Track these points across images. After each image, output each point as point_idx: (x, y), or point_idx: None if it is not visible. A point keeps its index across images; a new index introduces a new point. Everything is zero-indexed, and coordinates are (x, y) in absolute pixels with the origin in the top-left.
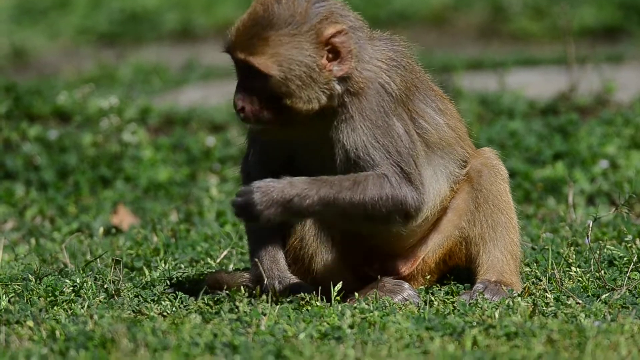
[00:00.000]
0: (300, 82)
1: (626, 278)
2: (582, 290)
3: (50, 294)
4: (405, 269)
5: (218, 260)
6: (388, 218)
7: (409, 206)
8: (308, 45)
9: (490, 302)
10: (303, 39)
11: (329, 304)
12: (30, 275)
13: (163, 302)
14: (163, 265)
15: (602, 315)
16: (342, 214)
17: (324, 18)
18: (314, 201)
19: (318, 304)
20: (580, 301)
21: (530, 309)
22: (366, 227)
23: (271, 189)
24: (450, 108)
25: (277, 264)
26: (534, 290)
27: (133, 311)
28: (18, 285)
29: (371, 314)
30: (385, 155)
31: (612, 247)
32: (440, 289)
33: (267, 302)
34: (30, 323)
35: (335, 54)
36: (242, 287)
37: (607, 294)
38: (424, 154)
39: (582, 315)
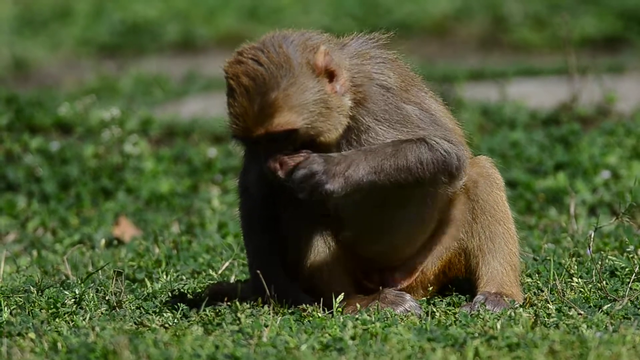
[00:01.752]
0: (323, 118)
1: (628, 289)
2: (583, 301)
3: (51, 306)
4: (404, 281)
5: (220, 272)
6: (434, 179)
7: (451, 165)
8: (310, 82)
9: (491, 313)
10: (303, 80)
11: (330, 315)
12: (31, 287)
13: (165, 314)
14: (165, 276)
15: (604, 326)
16: (391, 180)
17: (304, 51)
18: (366, 172)
19: (320, 315)
20: (582, 312)
21: (532, 319)
22: (418, 190)
23: (332, 161)
24: (445, 110)
25: (275, 276)
26: (535, 301)
27: (135, 323)
28: (20, 297)
29: (373, 325)
30: (415, 133)
31: (613, 258)
32: (441, 300)
33: (269, 313)
34: (32, 335)
35: (330, 75)
36: (243, 299)
37: (609, 305)
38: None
39: (584, 326)
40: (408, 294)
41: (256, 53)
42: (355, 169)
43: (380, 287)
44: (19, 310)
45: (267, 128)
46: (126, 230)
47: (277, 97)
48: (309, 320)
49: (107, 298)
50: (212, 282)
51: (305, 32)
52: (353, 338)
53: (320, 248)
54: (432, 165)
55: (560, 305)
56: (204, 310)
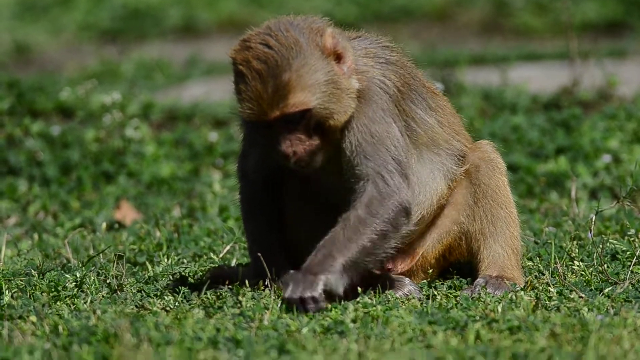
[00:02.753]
0: (334, 99)
1: (629, 272)
2: (585, 284)
3: (53, 289)
4: (404, 265)
5: (221, 255)
6: (397, 226)
7: (406, 203)
8: (321, 63)
9: (493, 297)
10: (314, 61)
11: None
12: (33, 271)
13: (166, 297)
14: (166, 260)
15: (605, 309)
16: (367, 253)
17: (311, 34)
18: (341, 270)
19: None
20: (583, 295)
21: (533, 303)
22: (390, 247)
23: (308, 291)
24: (443, 104)
25: (275, 260)
26: (536, 285)
27: (136, 306)
28: (21, 280)
29: (374, 308)
30: (381, 149)
31: (614, 241)
32: (442, 284)
33: (270, 296)
34: (33, 318)
35: (337, 57)
36: (244, 282)
37: (610, 288)
38: (416, 156)
39: (585, 309)
40: (407, 278)
41: (264, 37)
42: (334, 280)
43: (379, 272)
44: (20, 294)
45: (282, 109)
46: (127, 213)
47: (290, 78)
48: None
49: (108, 281)
50: (213, 265)
51: (307, 17)
52: (354, 321)
53: (321, 232)
54: (392, 214)
55: (561, 288)
56: (205, 294)
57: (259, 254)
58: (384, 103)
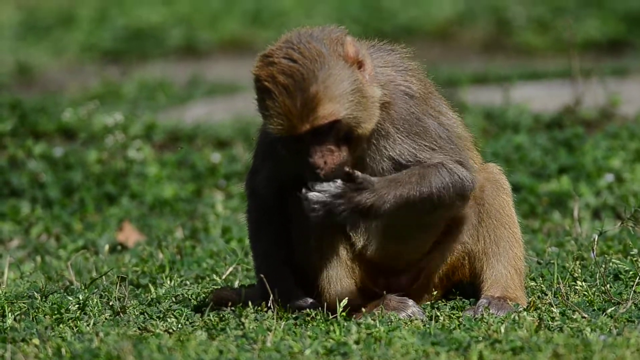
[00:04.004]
0: (361, 107)
1: (632, 292)
2: (587, 304)
3: (55, 312)
4: (409, 285)
5: (224, 277)
6: (451, 204)
7: (467, 188)
8: (345, 73)
9: (495, 317)
10: (338, 71)
11: (334, 319)
12: (35, 293)
13: (169, 319)
14: (169, 282)
15: (608, 329)
16: (413, 208)
17: (331, 44)
18: (391, 205)
19: (324, 319)
20: (586, 315)
21: (536, 323)
22: (432, 216)
23: (352, 198)
24: (456, 116)
25: (283, 280)
26: (539, 305)
27: (139, 328)
28: (24, 303)
29: (377, 329)
30: (432, 153)
31: (617, 261)
32: (445, 304)
33: (273, 318)
34: (36, 341)
35: (359, 65)
36: (248, 304)
37: (612, 308)
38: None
39: (588, 329)
40: (411, 300)
41: (287, 51)
42: (378, 206)
43: (384, 293)
44: (23, 316)
45: (312, 122)
46: (130, 235)
47: (317, 90)
48: (313, 325)
49: (111, 303)
50: (216, 287)
51: (324, 27)
52: (357, 342)
53: (328, 252)
54: (452, 191)
55: (564, 308)
56: (208, 316)
57: (262, 275)
58: (414, 108)
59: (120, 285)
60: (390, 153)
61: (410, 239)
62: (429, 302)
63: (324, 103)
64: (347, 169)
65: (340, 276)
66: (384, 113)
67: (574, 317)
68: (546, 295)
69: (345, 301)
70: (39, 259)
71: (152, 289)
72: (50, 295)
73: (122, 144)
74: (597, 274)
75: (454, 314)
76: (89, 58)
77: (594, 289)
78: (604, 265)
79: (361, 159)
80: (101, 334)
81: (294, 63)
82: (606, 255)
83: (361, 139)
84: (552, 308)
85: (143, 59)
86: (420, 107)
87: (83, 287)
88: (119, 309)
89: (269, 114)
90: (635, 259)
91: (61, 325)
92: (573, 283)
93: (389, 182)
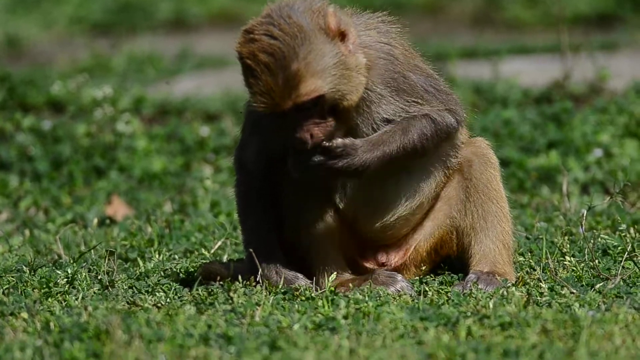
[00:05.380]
0: (345, 80)
1: (620, 267)
2: (576, 279)
3: (44, 286)
4: (397, 258)
5: (212, 251)
6: (437, 149)
7: (452, 131)
8: (327, 46)
9: (484, 292)
10: (320, 45)
11: (323, 294)
12: (24, 267)
13: (157, 294)
14: (157, 256)
15: (597, 305)
16: (398, 161)
17: (313, 16)
18: (375, 164)
19: (312, 294)
20: (574, 291)
21: (525, 298)
22: (420, 161)
23: (333, 165)
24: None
25: (271, 255)
26: (528, 280)
27: (127, 302)
28: (12, 276)
29: (365, 304)
30: (421, 107)
31: (606, 236)
32: (434, 280)
33: (262, 292)
34: (24, 315)
35: (342, 35)
36: (236, 278)
37: (601, 284)
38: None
39: (577, 305)
40: (400, 275)
41: (267, 28)
42: (370, 158)
43: (374, 267)
44: (11, 290)
45: (295, 99)
46: (118, 209)
47: (299, 68)
48: (301, 300)
49: (99, 277)
50: (204, 261)
51: None
52: (345, 317)
53: (318, 225)
54: (437, 138)
55: (552, 284)
56: (197, 290)
57: (253, 250)
58: (399, 67)
59: (108, 259)
60: (384, 115)
61: (398, 211)
62: (417, 277)
63: (306, 80)
64: (325, 143)
65: (329, 250)
66: (370, 76)
67: (563, 292)
68: (535, 270)
69: (334, 276)
70: (27, 232)
71: (141, 263)
72: (39, 269)
73: (111, 117)
74: (586, 250)
75: (442, 289)
76: (78, 31)
77: (582, 265)
78: (592, 241)
79: (353, 127)
80: (90, 308)
81: (275, 40)
82: (595, 231)
83: (348, 110)
84: (541, 283)
85: (132, 32)
86: (404, 65)
87: (71, 261)
88: (108, 283)
89: (253, 91)
90: (623, 234)
91: (50, 299)
92: (562, 258)
93: (372, 144)
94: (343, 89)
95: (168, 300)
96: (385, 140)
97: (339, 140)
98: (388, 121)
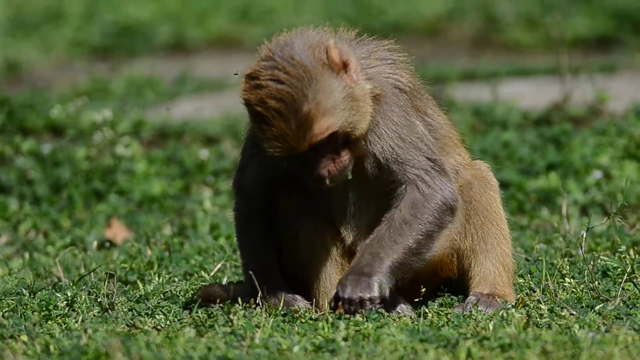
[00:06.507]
0: (354, 111)
1: (620, 289)
2: (576, 301)
3: (44, 308)
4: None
5: (212, 274)
6: (442, 225)
7: (450, 201)
8: (333, 82)
9: (484, 314)
10: (326, 82)
11: (323, 316)
12: (24, 290)
13: (157, 316)
14: (157, 278)
15: (597, 326)
16: (414, 254)
17: (315, 53)
18: (389, 272)
19: (312, 316)
20: (574, 312)
21: (524, 320)
22: (436, 247)
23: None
24: (442, 114)
25: (271, 277)
26: (527, 302)
27: (127, 325)
28: (12, 299)
29: (365, 326)
30: (414, 152)
31: (605, 258)
32: (434, 301)
33: (262, 315)
34: (24, 337)
35: (345, 66)
36: (236, 300)
37: (601, 305)
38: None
39: (576, 326)
40: (400, 296)
41: (273, 72)
42: (382, 282)
43: None
44: (11, 313)
45: (310, 141)
46: (118, 232)
47: (310, 109)
48: (301, 322)
49: (99, 300)
50: (204, 284)
51: (303, 31)
52: (345, 339)
53: (317, 249)
54: (436, 214)
55: (552, 305)
56: (197, 312)
57: (253, 272)
58: (403, 102)
59: (108, 282)
60: (373, 149)
61: None
62: (417, 299)
63: (318, 119)
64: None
65: (329, 273)
66: (376, 106)
67: (563, 314)
68: (534, 292)
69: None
70: (27, 255)
71: (141, 286)
72: (39, 292)
73: (110, 140)
74: (586, 271)
75: (442, 311)
76: (78, 54)
77: (582, 286)
78: (592, 262)
79: (362, 156)
80: (89, 331)
81: (282, 85)
82: (594, 252)
83: (360, 139)
84: (541, 305)
85: (131, 55)
86: (409, 102)
87: (71, 284)
88: (107, 306)
89: (266, 137)
90: (623, 255)
91: (49, 322)
92: (561, 280)
93: (378, 254)
94: (353, 119)
95: (168, 322)
96: (384, 249)
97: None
98: (376, 158)
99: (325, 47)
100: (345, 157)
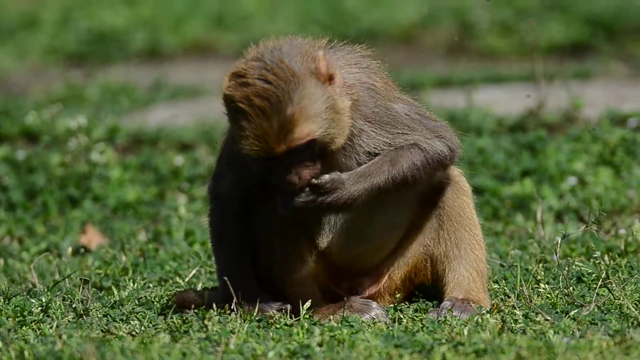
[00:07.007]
0: (334, 123)
1: (595, 294)
2: (550, 306)
3: (18, 314)
4: (372, 286)
5: (187, 279)
6: (430, 178)
7: (446, 159)
8: (318, 91)
9: (459, 320)
10: (312, 90)
11: (297, 322)
12: None
13: (132, 322)
14: (132, 284)
15: (571, 332)
16: (388, 192)
17: (304, 61)
18: (364, 197)
19: (287, 322)
20: (549, 318)
21: (499, 325)
22: (412, 191)
23: (323, 201)
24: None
25: (245, 283)
26: (502, 307)
27: (102, 331)
28: None
29: (340, 332)
30: (406, 137)
31: (580, 264)
32: (408, 307)
33: (236, 320)
34: None
35: (330, 79)
36: (211, 306)
37: (575, 311)
38: None
39: (551, 331)
40: (374, 302)
41: (261, 72)
42: (358, 191)
43: (347, 296)
44: None
45: (289, 144)
46: (93, 238)
47: (293, 112)
48: (276, 328)
49: (74, 306)
50: (179, 289)
51: (292, 40)
52: (320, 345)
53: (292, 255)
54: (429, 167)
55: (527, 311)
56: (171, 318)
57: (225, 278)
58: (380, 101)
59: (83, 288)
60: (366, 148)
61: (373, 240)
62: (392, 305)
63: (301, 124)
64: (313, 181)
65: (304, 279)
66: (354, 112)
67: (537, 319)
68: (509, 297)
69: (308, 303)
70: (1, 261)
71: (115, 292)
72: (13, 298)
73: (85, 147)
74: (560, 277)
75: (417, 317)
76: (53, 61)
77: (557, 292)
78: (567, 268)
79: (339, 164)
80: (64, 337)
81: (269, 84)
82: (569, 258)
83: (335, 152)
84: (515, 310)
85: (106, 62)
86: (385, 97)
87: (46, 290)
88: (82, 312)
89: (245, 135)
90: (598, 261)
91: (24, 328)
92: (536, 285)
93: (359, 176)
94: (333, 132)
95: (142, 328)
96: (372, 172)
97: (326, 176)
98: (372, 154)
99: (314, 56)
100: (317, 166)
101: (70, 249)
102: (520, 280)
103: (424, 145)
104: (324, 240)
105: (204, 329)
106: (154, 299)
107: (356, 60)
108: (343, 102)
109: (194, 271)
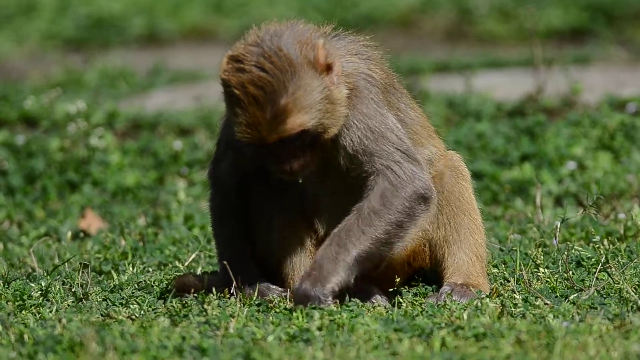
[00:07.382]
0: (328, 114)
1: (594, 279)
2: (550, 291)
3: (18, 298)
4: (371, 272)
5: (186, 264)
6: (413, 214)
7: (421, 190)
8: (314, 82)
9: (458, 304)
10: (308, 80)
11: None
12: None
13: (131, 306)
14: (131, 269)
15: (571, 316)
16: (383, 244)
17: (302, 49)
18: (355, 262)
19: (287, 306)
20: (548, 302)
21: (499, 310)
22: (408, 236)
23: (319, 288)
24: (416, 107)
25: (246, 267)
26: (502, 292)
27: (101, 315)
28: None
29: (339, 316)
30: (383, 142)
31: (580, 248)
32: (408, 291)
33: (236, 304)
34: None
35: (328, 68)
36: (210, 290)
37: (575, 295)
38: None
39: (551, 315)
40: (375, 287)
41: (258, 60)
42: (346, 275)
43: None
44: None
45: (280, 134)
46: (92, 222)
47: (287, 102)
48: (275, 312)
49: (73, 290)
50: (178, 273)
51: (294, 24)
52: (320, 329)
53: (291, 239)
54: (407, 204)
55: (526, 295)
56: (171, 302)
57: (227, 262)
58: (375, 95)
59: (82, 272)
60: (343, 141)
61: None
62: (391, 289)
63: (293, 115)
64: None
65: (303, 263)
66: (349, 101)
67: (537, 303)
68: (509, 282)
69: None
70: (1, 245)
71: (115, 276)
72: (13, 282)
73: (84, 131)
74: (560, 261)
75: (416, 301)
76: (51, 46)
77: (556, 276)
78: (566, 252)
79: (327, 157)
80: (64, 321)
81: (265, 73)
82: (568, 243)
83: (326, 142)
84: (515, 295)
85: (105, 47)
86: (381, 95)
87: (45, 274)
88: (82, 296)
89: (238, 121)
90: (597, 246)
91: (24, 312)
92: (535, 270)
93: (341, 248)
94: (326, 122)
95: (142, 312)
96: (350, 239)
97: (304, 285)
98: (345, 151)
99: (313, 45)
100: (310, 156)
101: (69, 234)
102: (520, 265)
103: (392, 179)
104: (323, 226)
105: (204, 313)
106: (154, 283)
107: (357, 50)
108: (340, 92)
109: (193, 255)
